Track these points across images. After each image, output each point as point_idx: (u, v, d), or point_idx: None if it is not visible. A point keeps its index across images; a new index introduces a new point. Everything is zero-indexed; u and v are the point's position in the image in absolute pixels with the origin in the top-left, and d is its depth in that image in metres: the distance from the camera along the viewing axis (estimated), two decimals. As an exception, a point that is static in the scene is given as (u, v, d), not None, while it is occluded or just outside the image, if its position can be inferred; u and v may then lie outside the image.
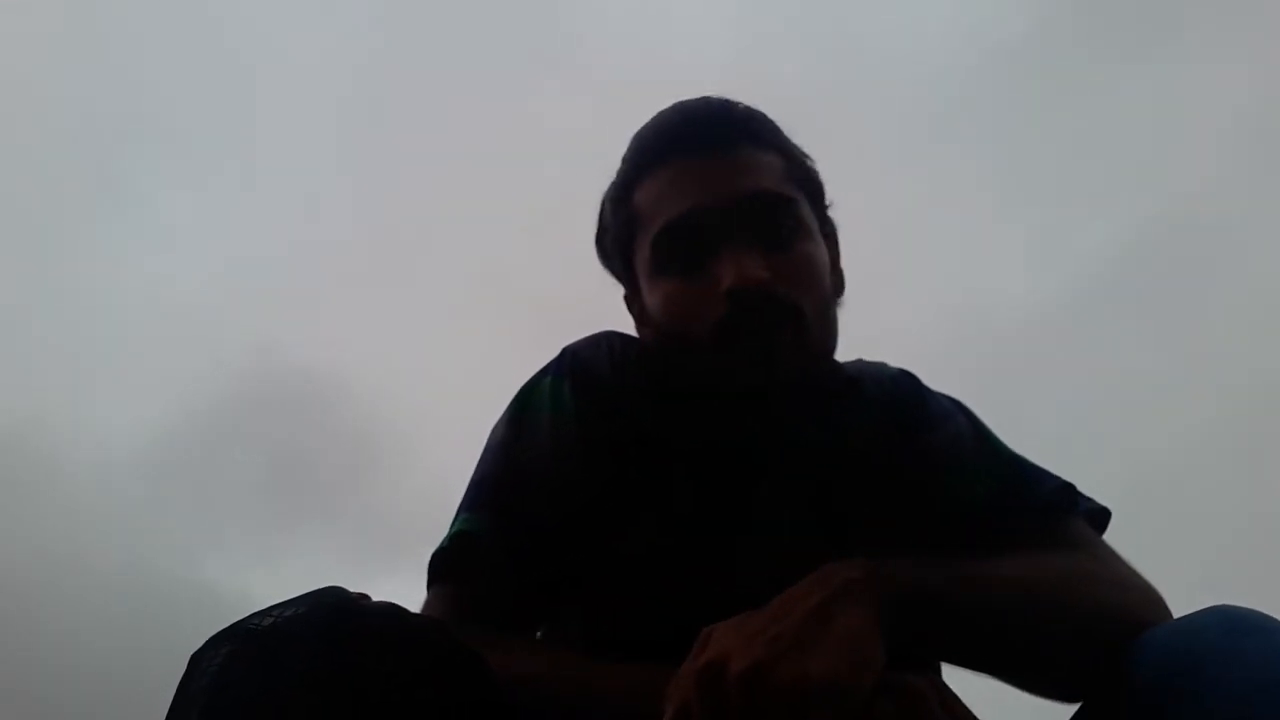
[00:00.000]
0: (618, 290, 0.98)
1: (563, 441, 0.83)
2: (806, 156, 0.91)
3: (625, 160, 0.91)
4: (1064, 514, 0.85)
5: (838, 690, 0.57)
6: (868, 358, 1.00)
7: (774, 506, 0.85)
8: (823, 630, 0.59)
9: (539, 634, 0.86)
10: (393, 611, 0.62)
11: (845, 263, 0.94)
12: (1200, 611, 0.69)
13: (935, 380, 0.98)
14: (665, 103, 0.91)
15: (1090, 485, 0.88)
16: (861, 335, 0.97)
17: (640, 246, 0.87)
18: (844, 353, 0.97)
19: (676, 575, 0.81)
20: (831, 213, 0.94)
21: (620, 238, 0.91)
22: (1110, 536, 0.87)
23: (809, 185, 0.90)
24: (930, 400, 0.94)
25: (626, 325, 0.97)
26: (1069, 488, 0.87)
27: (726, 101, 0.89)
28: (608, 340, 0.91)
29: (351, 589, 0.64)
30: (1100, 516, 0.87)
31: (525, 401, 0.88)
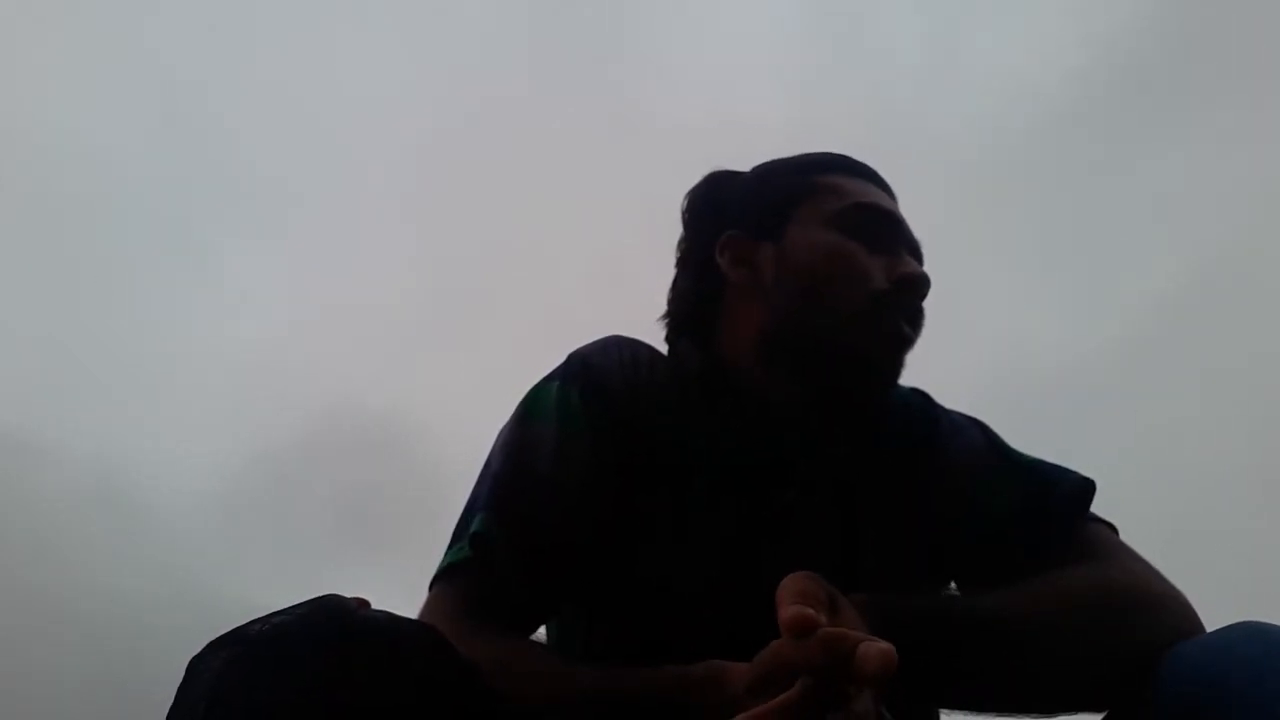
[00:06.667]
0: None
1: (571, 453, 0.82)
2: None
3: (810, 157, 0.98)
4: (1087, 517, 0.83)
5: None
6: None
7: (795, 524, 0.84)
8: None
9: (546, 629, 0.86)
10: (389, 619, 0.62)
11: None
12: (1228, 627, 0.68)
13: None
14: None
15: (1127, 526, 0.86)
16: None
17: (817, 204, 0.92)
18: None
19: (688, 593, 0.80)
20: None
21: (791, 192, 0.94)
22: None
23: None
24: (943, 417, 0.93)
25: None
26: (1089, 484, 0.85)
27: None
28: (617, 346, 0.90)
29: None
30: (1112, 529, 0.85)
31: (531, 407, 0.87)
